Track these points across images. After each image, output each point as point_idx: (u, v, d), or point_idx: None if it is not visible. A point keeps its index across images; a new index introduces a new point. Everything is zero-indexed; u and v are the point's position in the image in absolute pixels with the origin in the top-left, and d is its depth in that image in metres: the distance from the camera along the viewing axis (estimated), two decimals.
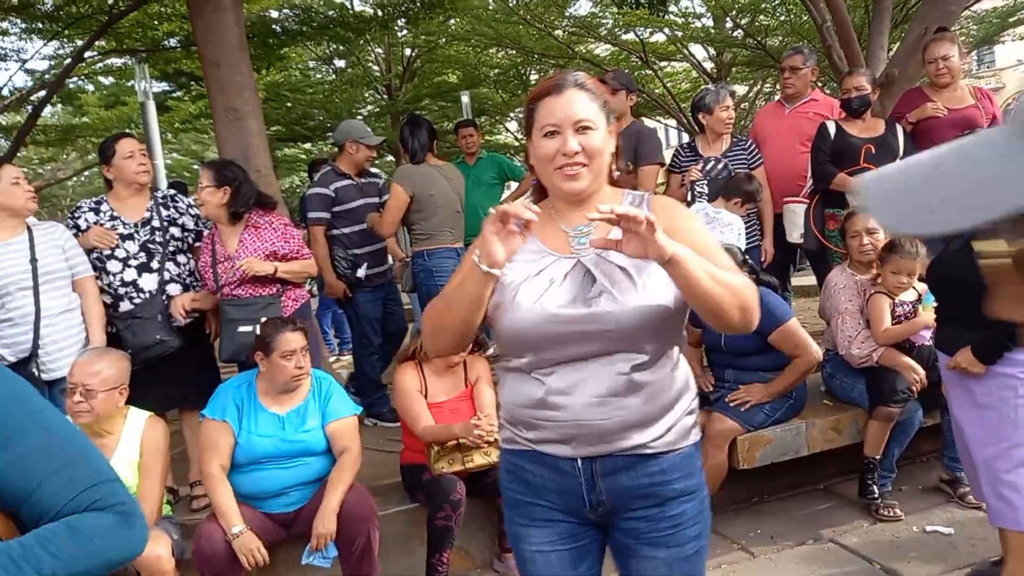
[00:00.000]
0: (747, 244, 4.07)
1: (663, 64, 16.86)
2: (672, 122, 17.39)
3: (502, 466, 1.70)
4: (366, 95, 17.99)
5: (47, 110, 14.66)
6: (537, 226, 1.55)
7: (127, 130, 5.70)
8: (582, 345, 1.51)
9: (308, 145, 20.07)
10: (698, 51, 16.00)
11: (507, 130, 22.58)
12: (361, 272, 4.34)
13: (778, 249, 4.39)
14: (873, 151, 3.93)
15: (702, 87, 5.34)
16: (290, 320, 2.95)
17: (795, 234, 4.23)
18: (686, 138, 10.38)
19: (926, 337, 3.34)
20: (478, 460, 3.06)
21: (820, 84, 12.51)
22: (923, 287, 3.26)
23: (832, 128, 4.03)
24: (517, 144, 21.68)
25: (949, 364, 2.70)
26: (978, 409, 2.64)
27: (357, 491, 2.91)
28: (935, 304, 3.02)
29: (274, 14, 10.77)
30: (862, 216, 3.52)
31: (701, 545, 1.64)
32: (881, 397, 3.32)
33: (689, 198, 4.25)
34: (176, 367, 3.46)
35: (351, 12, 11.89)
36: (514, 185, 5.73)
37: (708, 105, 4.18)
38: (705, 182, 4.13)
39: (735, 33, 14.12)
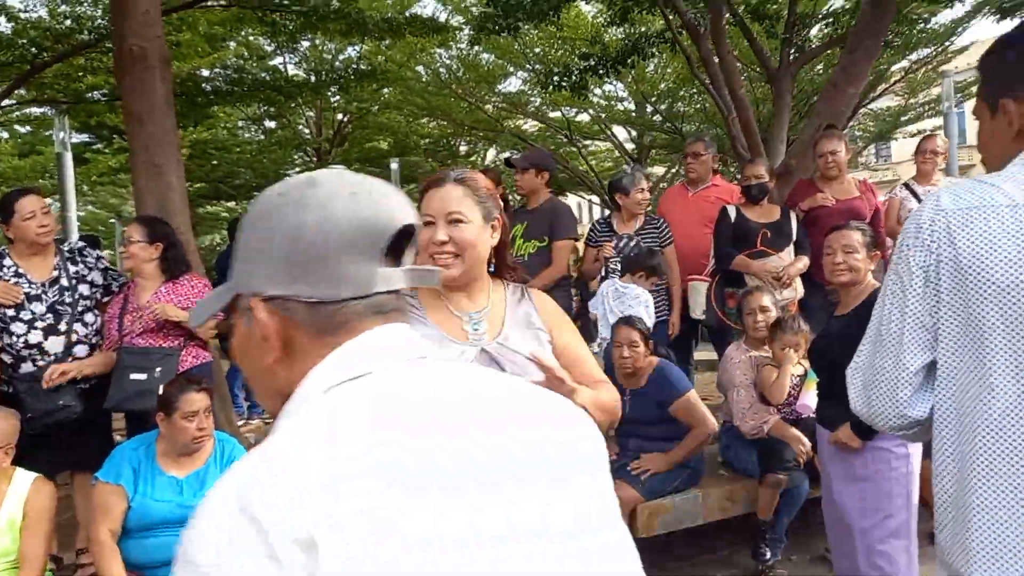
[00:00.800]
0: (656, 318, 4.25)
1: (587, 143, 17.56)
2: (595, 198, 17.99)
3: None
4: (295, 157, 18.02)
5: None
6: (432, 311, 1.74)
7: (29, 185, 5.54)
8: None
9: (232, 204, 19.85)
10: (621, 132, 16.76)
11: (498, 189, 22.89)
12: None
13: (683, 324, 4.60)
14: (769, 235, 4.23)
15: (620, 169, 5.63)
16: (195, 380, 2.92)
17: (697, 310, 4.46)
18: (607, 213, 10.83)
19: (811, 410, 3.55)
20: None
21: (721, 170, 13.27)
22: (807, 363, 3.49)
23: (733, 212, 4.32)
24: None
25: (830, 439, 2.89)
26: (856, 482, 2.82)
27: None
28: (817, 380, 3.25)
29: (205, 72, 10.83)
30: (756, 295, 3.77)
31: None
32: (770, 465, 3.50)
33: (603, 273, 4.44)
34: (72, 430, 3.33)
35: (283, 76, 12.03)
36: None
37: (625, 187, 4.42)
38: (618, 259, 4.34)
39: (654, 118, 14.87)
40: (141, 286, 3.44)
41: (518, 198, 4.78)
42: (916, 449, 2.75)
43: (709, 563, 3.87)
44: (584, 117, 16.02)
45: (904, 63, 12.49)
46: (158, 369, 3.18)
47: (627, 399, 3.63)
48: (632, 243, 4.37)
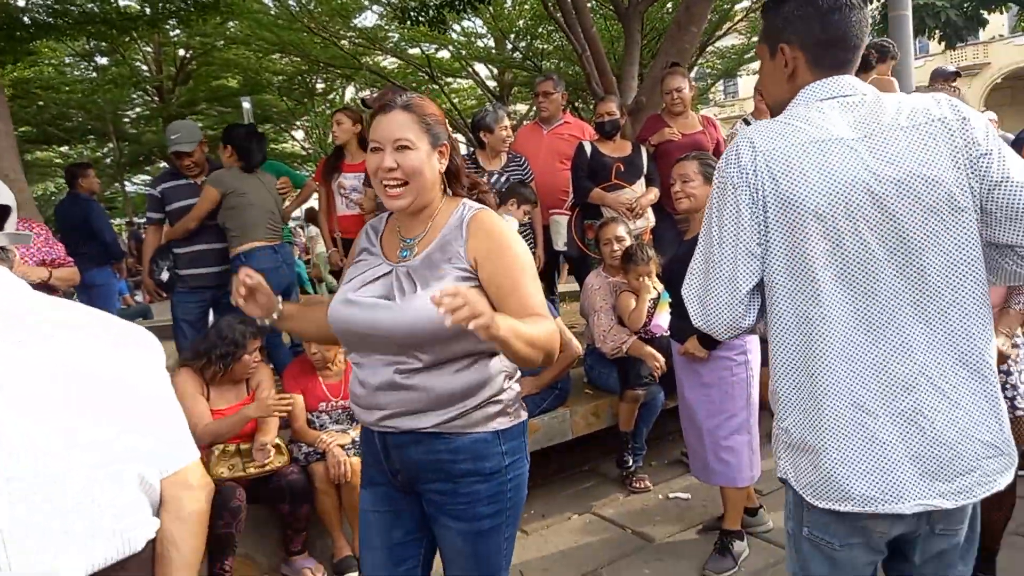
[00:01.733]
0: None
1: (449, 80, 17.37)
2: (460, 136, 17.94)
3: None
4: (133, 96, 16.73)
5: None
6: (386, 235, 1.82)
7: None
8: (368, 345, 1.73)
9: (65, 148, 18.25)
10: (482, 70, 16.69)
11: (293, 139, 22.02)
12: (164, 275, 4.20)
13: (545, 256, 4.80)
14: (623, 168, 4.46)
15: (482, 107, 5.68)
16: None
17: (559, 242, 4.67)
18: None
19: (664, 329, 3.86)
20: (259, 465, 3.11)
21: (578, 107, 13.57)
22: (661, 286, 3.78)
23: (588, 148, 4.51)
24: (304, 154, 21.18)
25: (680, 351, 3.19)
26: (703, 388, 3.15)
27: None
28: (670, 300, 3.54)
29: (21, 3, 9.77)
30: (611, 225, 4.00)
31: (498, 523, 1.75)
32: (629, 382, 3.80)
33: None
34: None
35: (114, 7, 11.04)
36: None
37: (488, 124, 4.50)
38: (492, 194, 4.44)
39: (514, 55, 14.90)
40: None
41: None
42: (755, 357, 3.10)
43: (580, 474, 4.19)
44: (444, 54, 15.82)
45: (746, 2, 13.12)
46: None
47: None
48: (502, 179, 4.49)
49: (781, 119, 1.49)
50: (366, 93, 13.45)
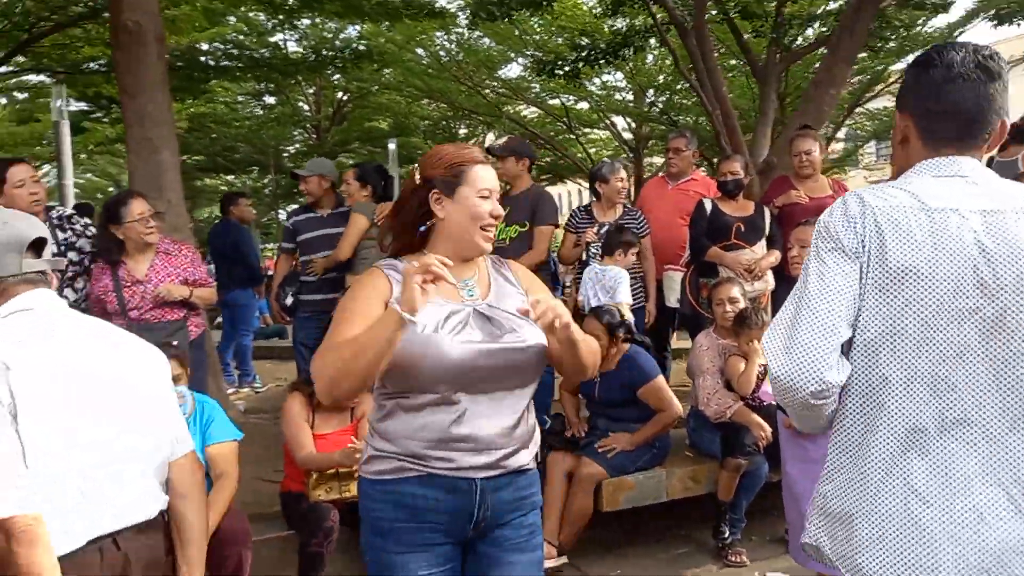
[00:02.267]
0: (633, 305, 4.39)
1: (587, 131, 17.64)
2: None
3: (373, 497, 1.78)
4: (294, 133, 18.06)
5: None
6: None
7: (19, 156, 5.64)
8: (495, 379, 1.75)
9: (231, 177, 19.89)
10: (620, 122, 16.83)
11: None
12: (288, 300, 4.53)
13: (659, 313, 4.75)
14: (743, 229, 4.36)
15: (601, 159, 5.76)
16: (167, 346, 3.06)
17: (672, 299, 4.60)
18: None
19: (773, 397, 3.70)
20: (355, 490, 3.21)
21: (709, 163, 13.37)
22: None
23: (709, 206, 4.45)
24: None
25: (785, 422, 3.05)
26: (807, 463, 2.98)
27: (233, 514, 2.99)
28: None
29: (204, 46, 10.88)
30: (725, 286, 3.91)
31: (541, 556, 1.91)
32: (731, 449, 3.65)
33: (584, 257, 4.58)
34: None
35: (283, 53, 12.05)
36: None
37: (604, 175, 4.56)
38: (599, 244, 4.48)
39: (652, 109, 14.94)
40: (134, 258, 3.54)
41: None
42: None
43: (673, 539, 4.04)
44: (584, 105, 16.10)
45: (902, 65, 12.59)
46: (175, 343, 3.27)
47: (597, 382, 3.78)
48: (612, 230, 4.50)
49: (893, 183, 1.43)
50: (496, 139, 13.92)
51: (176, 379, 2.97)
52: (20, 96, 12.93)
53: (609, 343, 3.69)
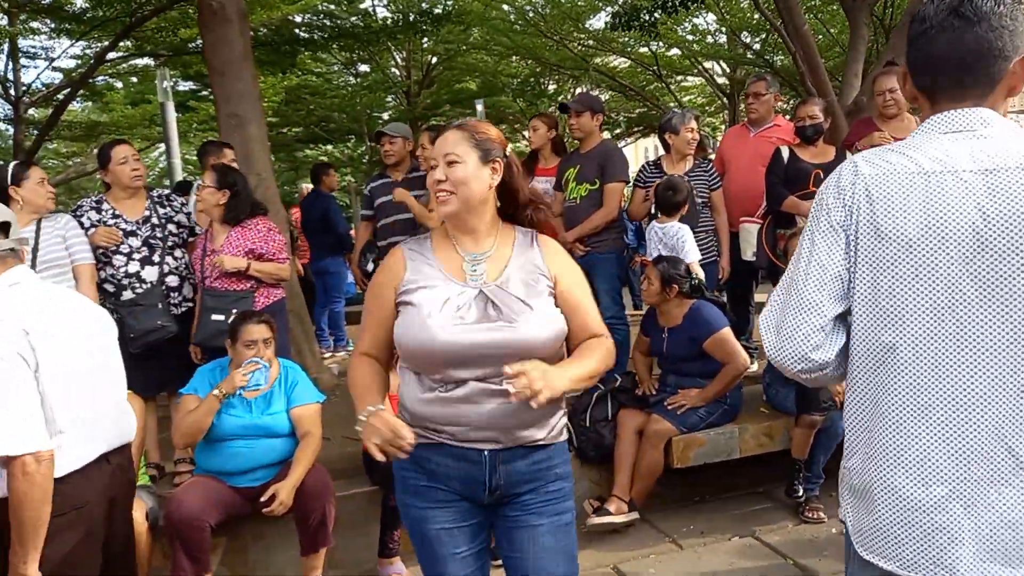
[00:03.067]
0: (704, 260, 4.30)
1: (679, 78, 17.10)
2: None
3: (400, 459, 1.85)
4: (387, 100, 18.39)
5: (78, 106, 15.25)
6: (439, 251, 1.91)
7: (121, 137, 6.03)
8: (490, 366, 1.78)
9: (329, 147, 20.51)
10: (715, 67, 16.22)
11: (523, 137, 22.96)
12: (370, 266, 4.71)
13: (742, 265, 4.63)
14: (822, 176, 4.17)
15: (671, 110, 5.60)
16: (257, 314, 3.26)
17: (748, 252, 4.48)
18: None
19: None
20: None
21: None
22: None
23: (786, 153, 4.28)
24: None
25: None
26: None
27: (317, 470, 3.20)
28: None
29: (298, 19, 11.17)
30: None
31: (572, 518, 1.95)
32: (806, 405, 3.57)
33: (652, 211, 4.51)
34: (167, 353, 3.77)
35: (372, 19, 12.21)
36: None
37: (674, 127, 4.45)
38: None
39: (747, 53, 14.30)
40: (216, 229, 3.79)
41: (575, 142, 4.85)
42: None
43: (750, 495, 4.01)
44: (676, 52, 15.59)
45: None
46: (234, 310, 3.51)
47: (664, 337, 3.77)
48: (662, 188, 4.41)
49: (896, 146, 1.38)
50: (581, 91, 13.67)
51: (266, 342, 3.20)
52: (134, 80, 13.76)
53: (662, 292, 3.67)
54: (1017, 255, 1.22)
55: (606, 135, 20.06)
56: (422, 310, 1.79)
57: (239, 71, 5.46)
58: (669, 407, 3.67)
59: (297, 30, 10.35)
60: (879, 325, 1.31)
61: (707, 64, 15.76)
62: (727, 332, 3.59)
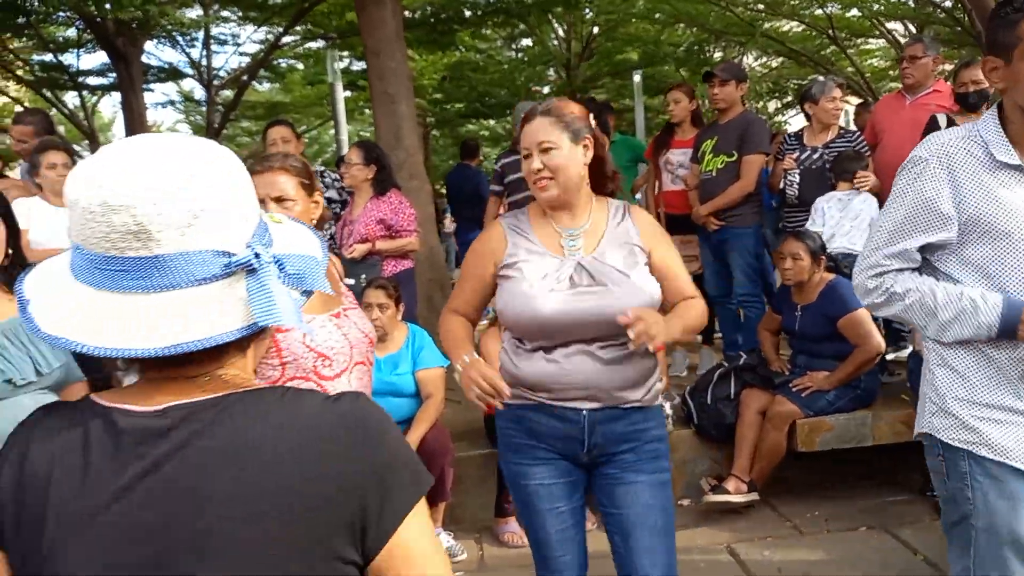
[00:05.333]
0: None
1: (858, 40, 15.86)
2: (851, 103, 16.34)
3: (503, 416, 2.02)
4: (548, 73, 18.50)
5: (266, 87, 16.62)
6: (537, 228, 2.01)
7: (282, 117, 6.53)
8: (589, 331, 1.89)
9: (492, 122, 20.99)
10: (899, 28, 14.89)
11: (693, 103, 22.24)
12: None
13: None
14: None
15: (811, 77, 5.25)
16: (382, 279, 3.49)
17: None
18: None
19: None
20: None
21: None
22: None
23: (943, 121, 3.89)
24: None
25: None
26: None
27: (437, 430, 3.40)
28: None
29: None
30: None
31: (669, 478, 2.03)
32: None
33: (782, 186, 4.31)
34: None
35: None
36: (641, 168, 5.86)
37: (814, 95, 4.20)
38: (798, 171, 4.19)
39: (937, 11, 12.99)
40: (355, 201, 4.08)
41: (711, 113, 4.69)
42: None
43: (881, 486, 3.78)
44: (854, 13, 14.44)
45: None
46: (363, 276, 3.77)
47: (797, 314, 3.62)
48: (816, 155, 4.17)
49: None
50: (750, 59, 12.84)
51: (381, 307, 3.42)
52: (311, 62, 14.79)
53: (812, 265, 3.51)
54: None
55: (774, 105, 19.05)
56: (524, 283, 1.90)
57: (391, 51, 5.77)
58: (795, 388, 3.52)
59: (452, 10, 10.64)
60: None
61: (890, 25, 14.48)
62: (864, 313, 3.38)
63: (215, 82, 10.90)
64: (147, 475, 0.76)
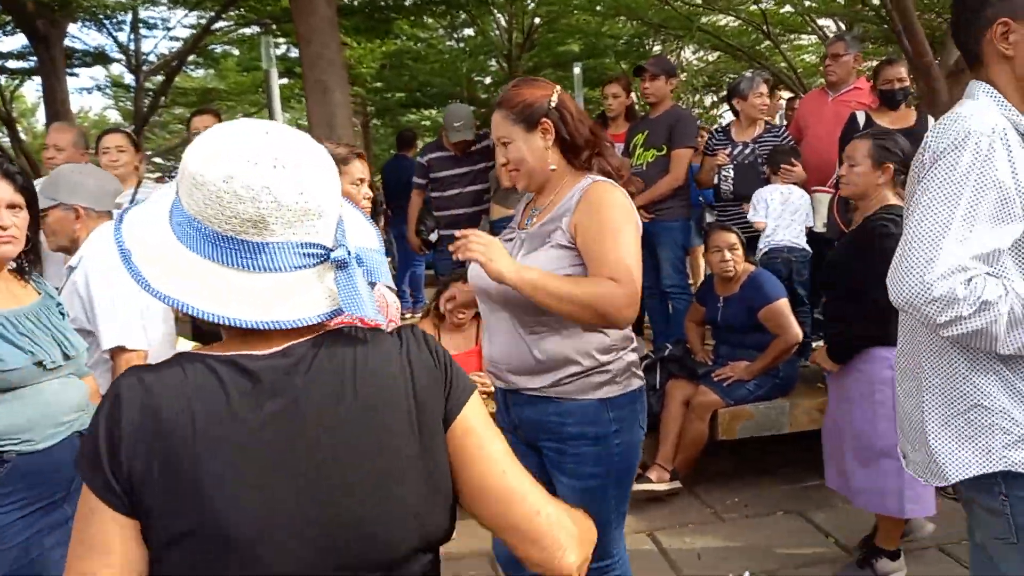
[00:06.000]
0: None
1: (791, 36, 16.25)
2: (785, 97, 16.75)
3: None
4: (489, 64, 18.43)
5: (199, 73, 16.15)
6: (527, 204, 2.06)
7: (209, 106, 6.36)
8: (496, 305, 1.92)
9: (433, 111, 20.83)
10: (830, 25, 15.31)
11: (629, 98, 22.48)
12: (432, 236, 4.85)
13: (812, 237, 4.44)
14: None
15: (740, 74, 5.38)
16: None
17: (819, 223, 4.28)
18: None
19: None
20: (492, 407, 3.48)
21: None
22: None
23: (861, 118, 4.04)
24: None
25: (812, 360, 2.92)
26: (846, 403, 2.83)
27: None
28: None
29: None
30: None
31: (604, 484, 1.90)
32: None
33: (715, 181, 4.40)
34: None
35: None
36: None
37: (742, 91, 4.30)
38: (731, 167, 4.28)
39: (866, 9, 13.39)
40: None
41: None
42: None
43: (799, 472, 3.89)
44: (788, 9, 14.78)
45: None
46: None
47: (720, 306, 3.71)
48: (747, 150, 4.27)
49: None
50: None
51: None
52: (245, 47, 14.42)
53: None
54: None
55: (710, 98, 19.36)
56: None
57: (325, 38, 5.67)
58: (717, 379, 3.61)
59: None
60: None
61: (821, 22, 14.88)
62: (783, 303, 3.49)
63: (144, 67, 10.55)
64: (288, 405, 0.88)
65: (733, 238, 3.63)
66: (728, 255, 3.60)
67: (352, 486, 0.89)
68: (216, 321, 0.88)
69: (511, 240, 1.99)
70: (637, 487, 3.49)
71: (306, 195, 0.89)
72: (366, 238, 1.04)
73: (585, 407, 1.87)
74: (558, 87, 1.91)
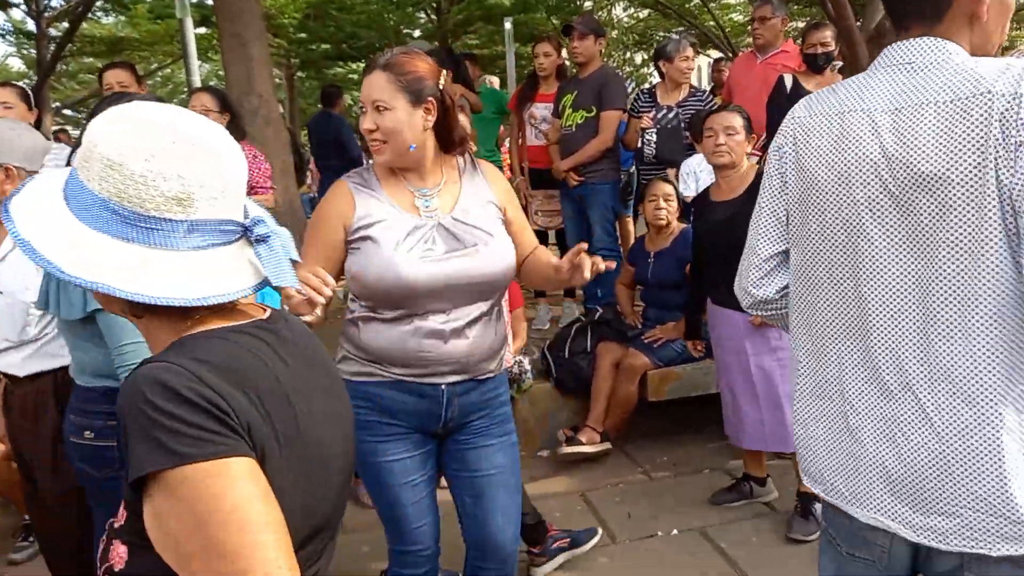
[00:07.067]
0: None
1: None
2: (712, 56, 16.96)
3: (350, 395, 1.91)
4: (418, 16, 17.94)
5: (110, 20, 15.21)
6: (386, 185, 1.84)
7: (124, 60, 6.00)
8: (455, 297, 1.80)
9: (360, 64, 20.22)
10: None
11: (561, 57, 22.29)
12: None
13: None
14: None
15: (666, 37, 5.37)
16: None
17: None
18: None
19: None
20: None
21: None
22: None
23: (789, 82, 4.09)
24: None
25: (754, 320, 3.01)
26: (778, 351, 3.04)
27: None
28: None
29: None
30: None
31: (516, 439, 2.06)
32: None
33: (639, 144, 4.40)
34: None
35: None
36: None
37: (669, 54, 4.28)
38: (654, 130, 4.28)
39: None
40: None
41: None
42: None
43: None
44: None
45: None
46: None
47: (650, 262, 3.73)
48: (671, 114, 4.27)
49: (840, 83, 1.35)
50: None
51: None
52: None
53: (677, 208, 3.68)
54: (921, 202, 1.17)
55: (640, 56, 19.40)
56: (383, 246, 1.75)
57: None
58: (646, 341, 3.66)
59: None
60: (805, 267, 1.36)
61: None
62: None
63: (47, 13, 9.83)
64: (302, 356, 1.02)
65: (669, 188, 3.67)
66: (663, 203, 3.63)
67: (340, 413, 1.09)
68: (154, 303, 0.88)
69: (421, 230, 1.79)
70: (568, 449, 3.56)
71: (225, 173, 0.93)
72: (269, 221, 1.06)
73: (503, 376, 2.04)
74: (446, 72, 1.82)
